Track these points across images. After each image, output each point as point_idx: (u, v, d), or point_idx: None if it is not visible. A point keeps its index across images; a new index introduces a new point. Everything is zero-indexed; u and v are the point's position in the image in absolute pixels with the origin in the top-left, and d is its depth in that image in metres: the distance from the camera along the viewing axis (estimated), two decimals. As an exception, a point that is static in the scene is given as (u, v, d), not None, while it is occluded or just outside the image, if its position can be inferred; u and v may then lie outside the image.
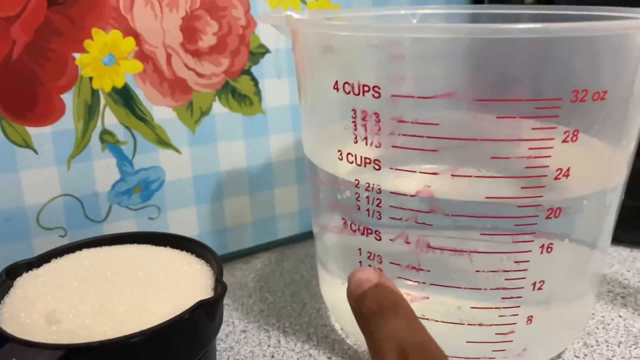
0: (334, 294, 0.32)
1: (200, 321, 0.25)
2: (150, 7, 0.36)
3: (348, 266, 0.29)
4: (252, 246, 0.43)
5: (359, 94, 0.24)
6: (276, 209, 0.43)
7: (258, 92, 0.41)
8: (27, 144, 0.33)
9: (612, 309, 0.35)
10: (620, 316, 0.34)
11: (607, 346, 0.31)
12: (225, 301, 0.37)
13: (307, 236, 0.45)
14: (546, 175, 0.23)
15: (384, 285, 0.22)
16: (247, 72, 0.40)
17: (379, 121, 0.24)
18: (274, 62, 0.41)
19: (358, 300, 0.22)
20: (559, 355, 0.30)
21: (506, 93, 0.22)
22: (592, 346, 0.31)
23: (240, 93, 0.40)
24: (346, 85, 0.24)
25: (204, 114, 0.39)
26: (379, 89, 0.23)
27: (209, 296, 0.26)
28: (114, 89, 0.35)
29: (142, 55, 0.36)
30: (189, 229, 0.40)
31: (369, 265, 0.27)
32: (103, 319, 0.24)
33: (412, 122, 0.23)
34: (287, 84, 0.42)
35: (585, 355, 0.30)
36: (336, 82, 0.25)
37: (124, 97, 0.36)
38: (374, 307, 0.21)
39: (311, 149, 0.30)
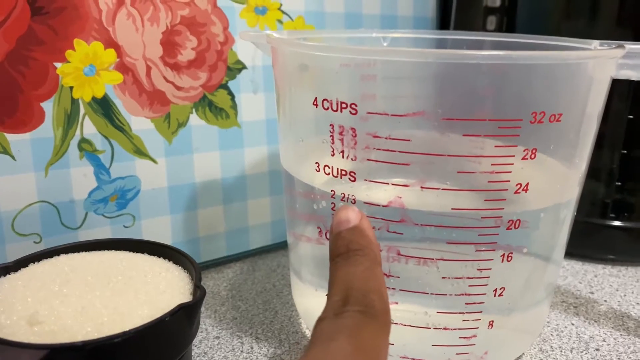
0: (307, 302, 0.33)
1: (180, 324, 0.26)
2: (132, 20, 0.37)
3: (322, 274, 0.30)
4: (224, 256, 0.44)
5: (337, 110, 0.26)
6: (249, 220, 0.45)
7: (234, 106, 0.42)
8: (5, 150, 0.34)
9: (565, 317, 0.37)
10: (572, 324, 0.36)
11: (561, 352, 0.33)
12: (198, 308, 0.37)
13: (279, 247, 0.47)
14: (507, 190, 0.25)
15: (359, 228, 0.23)
16: (224, 87, 0.42)
17: (355, 136, 0.26)
18: (251, 78, 0.43)
19: (334, 239, 0.23)
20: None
21: (471, 113, 0.24)
22: (547, 351, 0.33)
23: (217, 106, 0.41)
24: (325, 102, 0.26)
25: (180, 125, 0.40)
26: (356, 106, 0.25)
27: (187, 300, 0.27)
28: (94, 99, 0.36)
29: (123, 67, 0.37)
30: (163, 237, 0.40)
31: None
32: (85, 320, 0.24)
33: (386, 138, 0.25)
34: (263, 99, 0.43)
35: (541, 359, 0.32)
36: (315, 99, 0.26)
37: (104, 107, 0.37)
38: (342, 249, 0.22)
39: (289, 161, 0.31)
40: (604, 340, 0.34)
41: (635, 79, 0.27)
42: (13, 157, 0.34)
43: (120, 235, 0.39)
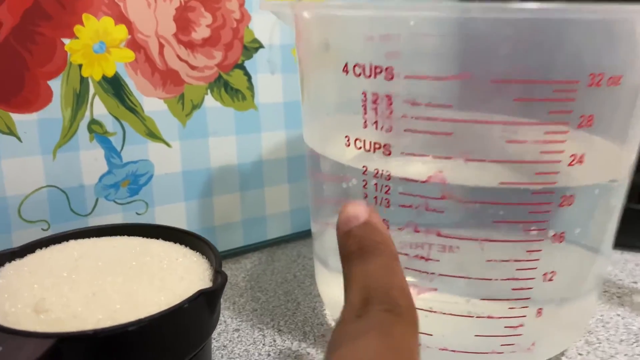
0: (333, 291, 0.31)
1: (201, 312, 0.23)
2: (143, -6, 0.35)
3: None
4: (241, 246, 0.41)
5: (370, 76, 0.23)
6: (267, 209, 0.42)
7: (251, 87, 0.40)
8: (10, 131, 0.32)
9: (609, 308, 0.34)
10: (618, 315, 0.34)
11: (609, 344, 0.30)
12: (216, 300, 0.35)
13: (298, 237, 0.44)
14: (560, 161, 0.23)
15: (370, 224, 0.21)
16: (241, 67, 0.39)
17: (390, 104, 0.23)
18: (268, 58, 0.40)
19: (343, 238, 0.21)
20: (562, 353, 0.29)
21: (522, 74, 0.22)
22: (594, 343, 0.30)
23: (232, 87, 0.39)
24: (356, 67, 0.24)
25: (195, 107, 0.38)
26: (393, 69, 0.23)
27: (207, 287, 0.24)
28: (104, 78, 0.34)
29: (134, 44, 0.35)
30: (177, 225, 0.38)
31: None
32: (96, 307, 0.22)
33: (426, 105, 0.22)
34: (281, 81, 0.41)
35: (588, 352, 0.30)
36: (346, 65, 0.24)
37: (114, 87, 0.35)
38: (354, 247, 0.20)
39: (315, 139, 0.29)
40: (654, 332, 0.32)
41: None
42: (19, 139, 0.32)
43: (132, 222, 0.36)
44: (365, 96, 0.24)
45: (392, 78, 0.23)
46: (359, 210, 0.21)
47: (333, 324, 0.32)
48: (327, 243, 0.30)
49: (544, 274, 0.25)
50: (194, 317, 0.23)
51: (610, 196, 0.26)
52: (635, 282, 0.38)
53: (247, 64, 0.40)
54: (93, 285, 0.23)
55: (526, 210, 0.23)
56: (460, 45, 0.22)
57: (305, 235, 0.44)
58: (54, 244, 0.28)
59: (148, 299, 0.23)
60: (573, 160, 0.23)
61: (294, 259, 0.41)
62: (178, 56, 0.37)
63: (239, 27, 0.39)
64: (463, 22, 0.22)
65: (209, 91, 0.38)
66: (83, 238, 0.29)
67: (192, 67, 0.37)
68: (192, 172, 0.38)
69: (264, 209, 0.42)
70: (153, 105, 0.36)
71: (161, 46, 0.36)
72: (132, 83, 0.35)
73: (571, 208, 0.24)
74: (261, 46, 0.40)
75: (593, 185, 0.24)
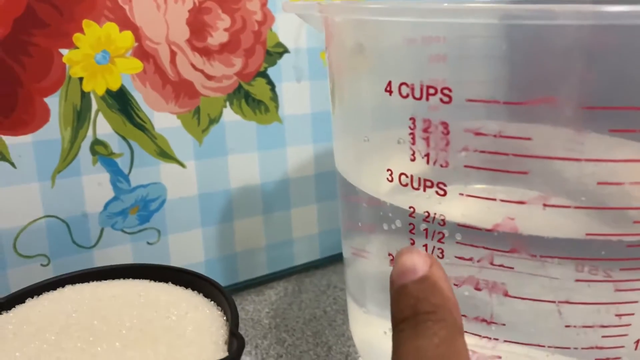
0: (367, 334, 0.26)
1: (212, 389, 0.19)
2: (152, -4, 0.31)
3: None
4: (266, 274, 0.37)
5: (421, 98, 0.19)
6: (293, 232, 0.38)
7: (275, 98, 0.36)
8: (3, 156, 0.28)
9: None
10: None
11: None
12: (236, 343, 0.31)
13: (328, 262, 0.40)
14: (667, 207, 0.18)
15: (430, 281, 0.17)
16: (263, 75, 0.35)
17: (447, 133, 0.18)
18: (294, 64, 0.36)
19: (395, 295, 0.17)
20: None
21: (623, 99, 0.17)
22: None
23: (254, 98, 0.35)
24: (403, 86, 0.19)
25: (212, 121, 0.34)
26: (450, 91, 0.18)
27: (220, 353, 0.20)
28: (108, 92, 0.30)
29: (142, 53, 0.31)
30: (194, 255, 0.34)
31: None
32: (86, 387, 0.18)
33: (495, 136, 0.18)
34: (309, 89, 0.36)
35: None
36: (389, 83, 0.19)
37: (120, 102, 0.30)
38: (408, 311, 0.16)
39: (347, 166, 0.24)
40: None
41: None
42: (13, 165, 0.28)
43: (143, 253, 0.32)
44: (414, 123, 0.19)
45: (449, 101, 0.18)
46: (417, 261, 0.17)
47: (370, 376, 0.28)
48: (360, 275, 0.26)
49: (636, 341, 0.20)
50: (205, 396, 0.19)
51: None
52: None
53: (271, 71, 0.35)
54: (85, 355, 0.19)
55: (618, 266, 0.19)
56: (540, 61, 0.17)
57: (335, 259, 0.40)
58: (48, 290, 0.24)
59: (149, 373, 0.19)
60: (683, 205, 0.18)
61: (323, 290, 0.37)
62: (192, 65, 0.32)
63: (261, 30, 0.34)
64: (542, 30, 0.17)
65: (227, 103, 0.34)
66: (81, 282, 0.25)
67: (209, 77, 0.33)
68: (209, 194, 0.34)
69: (290, 233, 0.38)
70: (165, 121, 0.32)
71: (173, 54, 0.32)
72: (141, 97, 0.31)
73: (676, 262, 0.19)
74: (286, 51, 0.35)
75: None
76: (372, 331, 0.26)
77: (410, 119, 0.19)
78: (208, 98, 0.33)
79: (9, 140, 0.28)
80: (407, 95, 0.19)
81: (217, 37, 0.33)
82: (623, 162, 0.17)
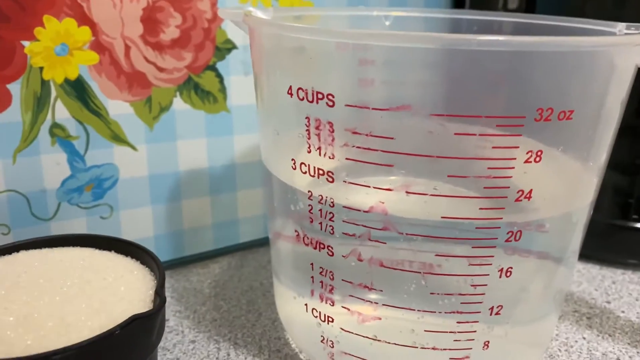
0: (286, 307, 0.31)
1: (134, 337, 0.23)
2: (108, -5, 0.34)
3: (300, 280, 0.27)
4: (211, 250, 0.41)
5: (312, 101, 0.22)
6: (239, 212, 0.42)
7: (223, 89, 0.39)
8: (-32, 136, 0.31)
9: (576, 330, 0.34)
10: (584, 338, 0.33)
11: (568, 371, 0.30)
12: (177, 308, 0.35)
13: (270, 241, 0.44)
14: (506, 197, 0.22)
15: None
16: (212, 68, 0.38)
17: (332, 131, 0.22)
18: (242, 59, 0.39)
19: None
20: (517, 380, 0.29)
21: (465, 109, 0.21)
22: (552, 370, 0.30)
23: (203, 89, 0.38)
24: (300, 90, 0.23)
25: (163, 109, 0.37)
26: (333, 97, 0.22)
27: (147, 309, 0.24)
28: (67, 81, 0.34)
29: (99, 46, 0.34)
30: (144, 229, 0.38)
31: (321, 282, 0.26)
32: (26, 331, 0.22)
33: (367, 135, 0.21)
34: (254, 82, 0.40)
35: (545, 380, 0.29)
36: (290, 87, 0.23)
37: (77, 90, 0.34)
38: None
39: (266, 155, 0.28)
40: (618, 359, 0.31)
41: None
42: (-23, 143, 0.32)
43: (97, 226, 0.36)
44: (308, 121, 0.23)
45: (333, 105, 0.22)
46: None
47: (290, 338, 0.32)
48: (279, 255, 0.30)
49: (490, 308, 0.24)
50: (127, 342, 0.23)
51: (567, 222, 0.25)
52: (609, 302, 0.37)
53: (220, 65, 0.39)
54: (28, 306, 0.23)
55: (469, 245, 0.23)
56: (403, 75, 0.21)
57: (278, 238, 0.44)
58: (3, 254, 0.28)
59: (81, 322, 0.23)
60: (520, 196, 0.22)
61: (263, 265, 0.41)
62: (145, 58, 0.36)
63: (210, 27, 0.38)
64: (402, 52, 0.21)
65: (178, 93, 0.37)
66: (35, 249, 0.29)
67: (160, 69, 0.36)
68: (159, 175, 0.38)
69: (236, 212, 0.42)
70: (118, 108, 0.35)
71: (127, 48, 0.35)
72: (97, 86, 0.35)
73: (519, 242, 0.23)
74: (234, 47, 0.39)
75: (543, 219, 0.23)
76: (286, 296, 0.30)
77: (306, 117, 0.23)
78: (159, 88, 0.37)
79: (-26, 121, 0.31)
80: (303, 98, 0.23)
81: (169, 33, 0.36)
82: (466, 159, 0.21)
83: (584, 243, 0.27)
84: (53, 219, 0.35)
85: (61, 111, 0.34)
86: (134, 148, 0.36)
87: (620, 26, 0.27)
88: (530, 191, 0.22)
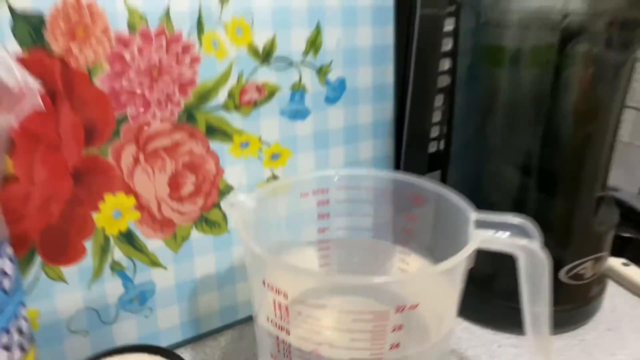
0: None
1: None
2: (145, 173, 0.50)
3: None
4: (219, 327, 0.58)
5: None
6: (237, 297, 0.59)
7: (225, 218, 0.56)
8: (60, 278, 0.48)
9: (462, 391, 0.51)
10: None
11: None
12: (197, 378, 0.53)
13: (261, 316, 0.61)
14: (386, 349, 0.39)
15: None
16: (217, 205, 0.55)
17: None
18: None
19: None
20: None
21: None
22: None
23: (211, 221, 0.55)
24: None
25: (184, 239, 0.54)
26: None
27: (184, 404, 0.41)
28: (120, 233, 0.50)
29: (140, 207, 0.51)
30: (173, 320, 0.55)
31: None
32: None
33: None
34: (247, 212, 0.57)
35: None
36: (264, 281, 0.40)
37: (127, 237, 0.51)
38: None
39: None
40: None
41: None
42: (66, 282, 0.49)
43: (142, 323, 0.53)
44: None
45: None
46: None
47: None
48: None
49: None
50: None
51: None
52: (491, 365, 0.54)
53: (222, 203, 0.55)
54: (116, 407, 0.41)
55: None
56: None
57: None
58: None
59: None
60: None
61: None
62: (171, 208, 0.52)
63: (215, 179, 0.54)
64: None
65: (194, 227, 0.54)
66: (108, 356, 0.46)
67: (182, 214, 0.53)
68: (182, 283, 0.55)
69: (235, 298, 0.59)
70: (154, 244, 0.52)
71: (159, 204, 0.52)
72: (139, 232, 0.51)
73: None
74: (232, 188, 0.55)
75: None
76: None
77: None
78: (181, 226, 0.53)
79: (63, 268, 0.48)
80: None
81: (187, 189, 0.53)
82: None
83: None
84: (114, 323, 0.52)
85: (117, 253, 0.51)
86: (165, 268, 0.53)
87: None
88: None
